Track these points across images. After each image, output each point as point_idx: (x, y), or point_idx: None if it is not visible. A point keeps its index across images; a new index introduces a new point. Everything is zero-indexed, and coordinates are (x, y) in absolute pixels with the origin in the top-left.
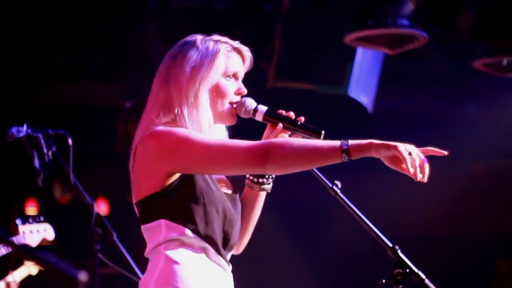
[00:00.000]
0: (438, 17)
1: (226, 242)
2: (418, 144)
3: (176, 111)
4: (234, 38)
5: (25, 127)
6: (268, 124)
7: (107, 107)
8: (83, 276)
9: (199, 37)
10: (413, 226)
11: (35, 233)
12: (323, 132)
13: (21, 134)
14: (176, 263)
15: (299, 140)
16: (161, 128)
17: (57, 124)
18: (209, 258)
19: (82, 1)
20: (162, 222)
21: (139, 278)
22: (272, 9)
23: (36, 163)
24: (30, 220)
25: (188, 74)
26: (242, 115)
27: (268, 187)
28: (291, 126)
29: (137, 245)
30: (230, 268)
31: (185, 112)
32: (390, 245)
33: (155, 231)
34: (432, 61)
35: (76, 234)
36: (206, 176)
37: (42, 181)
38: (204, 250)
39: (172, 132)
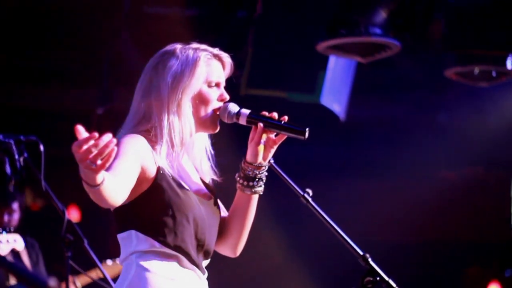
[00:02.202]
0: (410, 26)
1: (200, 249)
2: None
3: (155, 121)
4: (209, 45)
5: None
6: (253, 127)
7: (79, 113)
8: (52, 283)
9: (178, 46)
10: (383, 234)
11: (5, 243)
12: (307, 130)
13: None
14: (147, 270)
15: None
16: (125, 137)
17: (28, 130)
18: (182, 266)
19: (56, 5)
20: (133, 233)
21: (109, 284)
22: (244, 16)
23: (8, 169)
24: (0, 230)
25: (169, 84)
26: (225, 120)
27: (260, 189)
28: (275, 126)
29: (108, 252)
30: (205, 275)
31: (165, 121)
32: (361, 253)
33: (127, 241)
34: (404, 69)
35: (47, 240)
36: (174, 184)
37: (14, 187)
38: (176, 259)
39: (121, 142)
